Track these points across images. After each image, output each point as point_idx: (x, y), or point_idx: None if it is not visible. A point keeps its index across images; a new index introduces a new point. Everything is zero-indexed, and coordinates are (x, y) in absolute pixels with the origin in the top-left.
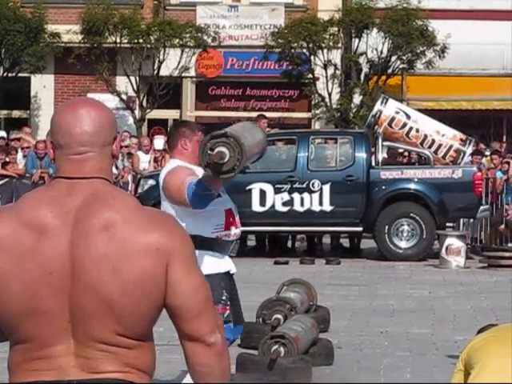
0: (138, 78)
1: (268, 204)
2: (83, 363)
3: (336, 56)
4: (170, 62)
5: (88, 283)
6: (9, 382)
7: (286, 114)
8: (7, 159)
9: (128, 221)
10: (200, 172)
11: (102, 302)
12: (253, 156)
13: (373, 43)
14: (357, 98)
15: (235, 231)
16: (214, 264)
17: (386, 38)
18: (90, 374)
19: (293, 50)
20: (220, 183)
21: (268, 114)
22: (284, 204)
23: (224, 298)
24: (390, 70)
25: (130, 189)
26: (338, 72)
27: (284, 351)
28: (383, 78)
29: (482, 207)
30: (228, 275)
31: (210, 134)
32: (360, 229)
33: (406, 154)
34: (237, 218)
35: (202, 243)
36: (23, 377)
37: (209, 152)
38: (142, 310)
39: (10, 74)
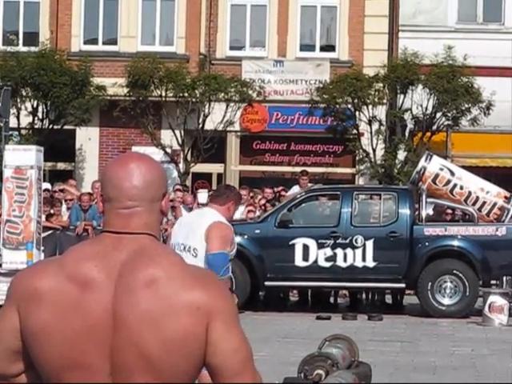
0: (182, 131)
1: (311, 259)
2: None
3: (381, 112)
4: (215, 116)
5: (129, 338)
6: None
7: (330, 170)
8: (52, 211)
9: (171, 277)
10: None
11: (142, 358)
12: None
13: (418, 99)
14: (401, 154)
15: None
16: None
17: (431, 94)
18: None
19: (338, 106)
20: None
21: (312, 169)
22: (327, 259)
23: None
24: (434, 127)
25: None
26: (383, 128)
27: None
28: (428, 134)
29: None
30: None
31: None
32: (403, 285)
33: (450, 210)
34: None
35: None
36: None
37: None
38: (183, 368)
39: (55, 127)
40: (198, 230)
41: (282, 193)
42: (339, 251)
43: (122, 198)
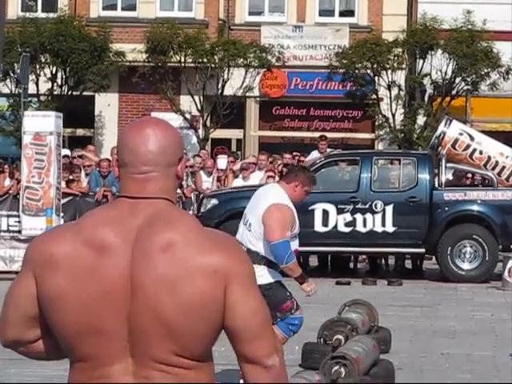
0: (201, 97)
1: (330, 224)
2: (141, 383)
3: (400, 77)
4: (234, 82)
5: (147, 303)
6: None
7: (349, 135)
8: (71, 177)
9: (188, 242)
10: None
11: (160, 323)
12: None
13: (437, 64)
14: (420, 119)
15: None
16: (273, 275)
17: (450, 59)
18: None
19: (357, 71)
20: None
21: (331, 135)
22: (346, 224)
23: (288, 293)
24: (454, 92)
25: (192, 208)
26: (402, 93)
27: (345, 372)
28: (447, 99)
29: None
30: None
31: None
32: (422, 250)
33: (470, 175)
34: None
35: (269, 264)
36: None
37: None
38: (201, 331)
39: (74, 93)
40: (258, 206)
41: (301, 158)
42: (359, 216)
43: (137, 163)
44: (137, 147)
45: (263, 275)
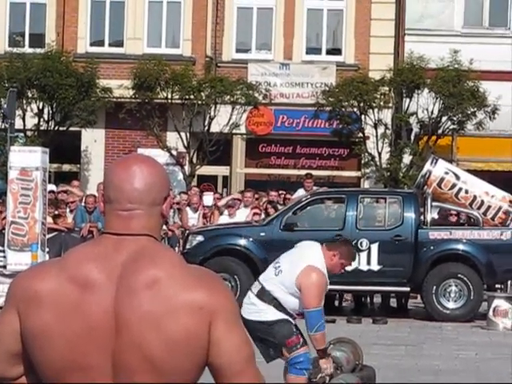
0: (188, 133)
1: None
2: None
3: (386, 115)
4: (221, 119)
5: (131, 340)
6: None
7: (335, 173)
8: (56, 212)
9: (173, 278)
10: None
11: (145, 359)
12: None
13: (423, 103)
14: (407, 158)
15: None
16: (279, 315)
17: (436, 98)
18: None
19: (343, 109)
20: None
21: (317, 173)
22: None
23: (294, 330)
24: (440, 131)
25: (178, 244)
26: (389, 131)
27: None
28: (433, 138)
29: None
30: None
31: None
32: (407, 289)
33: (455, 214)
34: None
35: (277, 307)
36: None
37: None
38: (186, 368)
39: (61, 128)
40: (295, 259)
41: (287, 196)
42: None
43: (122, 200)
44: (122, 184)
45: (268, 312)
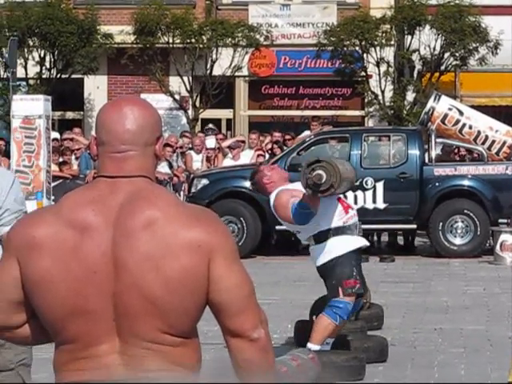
0: (190, 77)
1: None
2: (128, 361)
3: (389, 53)
4: (223, 62)
5: (131, 282)
6: (55, 383)
7: (339, 112)
8: (61, 159)
9: (169, 218)
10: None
11: (145, 300)
12: (346, 179)
13: (425, 40)
14: (410, 96)
15: (353, 212)
16: (344, 245)
17: (438, 34)
18: (136, 372)
19: (345, 48)
20: (318, 203)
21: (321, 113)
22: None
23: (354, 273)
24: (442, 67)
25: (183, 188)
26: (391, 69)
27: None
28: (436, 74)
29: None
30: (357, 253)
31: (306, 161)
32: (414, 226)
33: (461, 150)
34: (348, 202)
35: (336, 232)
36: (69, 377)
37: (308, 175)
38: (186, 307)
39: (63, 76)
40: None
41: (287, 137)
42: (349, 193)
43: (115, 142)
44: (114, 126)
45: (329, 250)
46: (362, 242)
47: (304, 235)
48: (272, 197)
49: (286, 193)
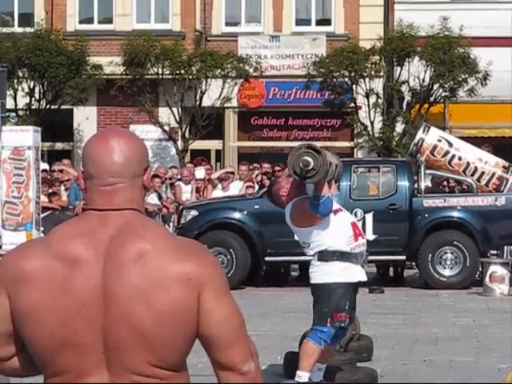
0: (180, 108)
1: None
2: None
3: (378, 85)
4: (212, 93)
5: (121, 315)
6: None
7: (328, 144)
8: (50, 190)
9: (159, 251)
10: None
11: (135, 333)
12: (332, 167)
13: (415, 71)
14: (399, 127)
15: (362, 241)
16: (346, 274)
17: (427, 66)
18: None
19: (335, 79)
20: (323, 186)
21: None
22: None
23: (347, 306)
24: (432, 98)
25: (172, 219)
26: (380, 101)
27: None
28: (425, 106)
29: None
30: (356, 285)
31: (295, 147)
32: (403, 257)
33: (450, 182)
34: (360, 230)
35: (341, 256)
36: None
37: (296, 161)
38: (176, 340)
39: (52, 107)
40: None
41: (276, 168)
42: None
43: (103, 175)
44: (102, 159)
45: (330, 273)
46: (363, 277)
47: (313, 247)
48: (288, 207)
49: (302, 200)
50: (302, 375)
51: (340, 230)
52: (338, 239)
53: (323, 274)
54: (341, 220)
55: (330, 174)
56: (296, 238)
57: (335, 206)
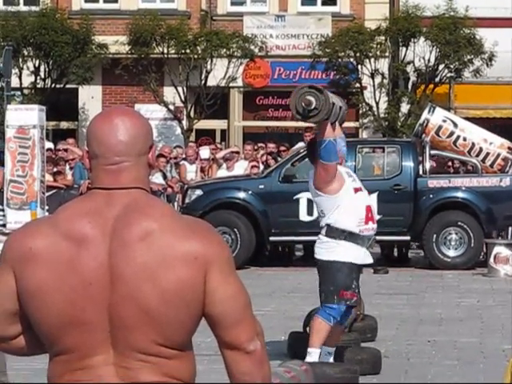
0: (185, 88)
1: (315, 213)
2: (123, 373)
3: (383, 65)
4: (218, 72)
5: (127, 293)
6: None
7: None
8: (55, 169)
9: (166, 229)
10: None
11: (141, 312)
12: (335, 108)
13: (420, 52)
14: (404, 107)
15: (372, 226)
16: (352, 254)
17: (433, 46)
18: None
19: (340, 60)
20: (325, 129)
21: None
22: None
23: (353, 286)
24: (437, 79)
25: (177, 199)
26: (386, 81)
27: None
28: (431, 86)
29: None
30: (360, 267)
31: (297, 88)
32: (408, 238)
33: (455, 162)
34: (374, 214)
35: (348, 236)
36: None
37: (298, 100)
38: (182, 319)
39: (57, 86)
40: None
41: (282, 148)
42: None
43: (108, 154)
44: (106, 138)
45: (335, 251)
46: (368, 260)
47: (326, 219)
48: (311, 172)
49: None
50: (312, 351)
51: (354, 210)
52: (349, 218)
53: (329, 251)
54: (357, 200)
55: (334, 115)
56: (315, 207)
57: (357, 184)
